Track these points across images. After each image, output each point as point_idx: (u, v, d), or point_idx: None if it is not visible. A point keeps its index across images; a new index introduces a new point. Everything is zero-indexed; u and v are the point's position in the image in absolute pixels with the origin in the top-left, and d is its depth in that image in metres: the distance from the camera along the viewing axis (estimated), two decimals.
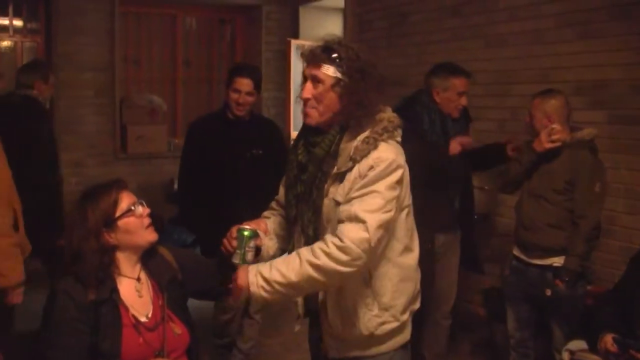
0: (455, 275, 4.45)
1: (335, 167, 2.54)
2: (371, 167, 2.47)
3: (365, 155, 2.49)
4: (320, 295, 2.66)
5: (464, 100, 4.17)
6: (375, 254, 2.48)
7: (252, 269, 2.45)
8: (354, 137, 2.54)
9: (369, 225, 2.39)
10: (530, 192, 3.97)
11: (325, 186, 2.55)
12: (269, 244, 2.78)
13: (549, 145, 3.81)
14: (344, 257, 2.38)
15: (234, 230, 2.64)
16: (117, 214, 2.49)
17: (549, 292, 3.85)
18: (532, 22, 5.08)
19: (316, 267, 2.39)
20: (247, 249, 2.59)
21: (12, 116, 4.90)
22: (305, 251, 2.44)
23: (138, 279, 2.56)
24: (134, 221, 2.52)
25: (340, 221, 2.45)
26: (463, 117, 4.31)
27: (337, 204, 2.51)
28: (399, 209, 2.56)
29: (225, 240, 2.68)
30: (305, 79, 2.61)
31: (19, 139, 4.39)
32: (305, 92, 2.58)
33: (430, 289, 4.17)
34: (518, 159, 4.03)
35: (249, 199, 3.94)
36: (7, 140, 3.56)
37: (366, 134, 2.52)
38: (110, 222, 2.48)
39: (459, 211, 4.34)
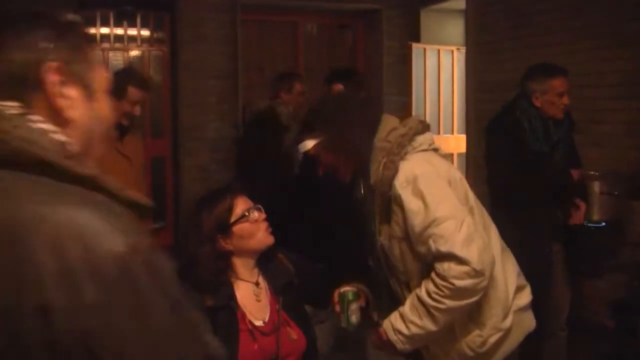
0: (567, 284, 4.26)
1: (377, 205, 2.51)
2: (399, 195, 2.40)
3: (390, 181, 2.41)
4: None
5: (565, 100, 3.95)
6: (490, 256, 2.38)
7: (389, 329, 2.44)
8: (376, 170, 2.46)
9: (460, 256, 2.29)
10: None
11: (377, 225, 2.53)
12: None
13: None
14: (464, 293, 2.33)
15: (336, 295, 2.62)
16: (232, 219, 2.49)
17: None
18: None
19: (445, 310, 2.35)
20: (349, 312, 2.57)
21: None
22: (426, 297, 2.36)
23: (257, 284, 2.56)
24: (249, 227, 2.50)
25: (432, 261, 2.37)
26: (567, 119, 4.11)
27: (399, 238, 2.46)
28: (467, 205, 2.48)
29: (331, 303, 2.67)
30: None
31: None
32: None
33: (547, 300, 4.02)
34: None
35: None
36: None
37: (384, 161, 2.43)
38: (224, 228, 2.48)
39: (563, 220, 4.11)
